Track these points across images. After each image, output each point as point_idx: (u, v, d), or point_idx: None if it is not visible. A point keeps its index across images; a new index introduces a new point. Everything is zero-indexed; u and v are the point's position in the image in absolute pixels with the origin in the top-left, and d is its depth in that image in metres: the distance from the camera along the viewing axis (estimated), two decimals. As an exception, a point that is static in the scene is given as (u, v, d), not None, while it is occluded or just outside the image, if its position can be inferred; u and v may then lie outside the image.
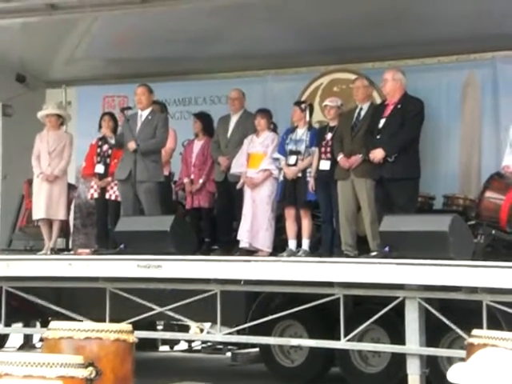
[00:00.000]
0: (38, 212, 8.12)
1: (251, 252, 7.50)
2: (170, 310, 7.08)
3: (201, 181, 8.31)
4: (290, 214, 7.55)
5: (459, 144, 8.36)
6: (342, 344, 6.64)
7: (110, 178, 8.37)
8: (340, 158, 7.26)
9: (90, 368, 3.83)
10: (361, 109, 7.42)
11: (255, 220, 7.57)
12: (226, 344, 9.68)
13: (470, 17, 7.72)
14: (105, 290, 7.18)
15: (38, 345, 9.60)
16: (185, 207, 8.56)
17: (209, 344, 10.29)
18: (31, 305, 7.75)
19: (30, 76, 9.92)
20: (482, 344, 4.59)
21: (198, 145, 8.53)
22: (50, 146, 8.17)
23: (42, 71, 9.90)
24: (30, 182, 8.56)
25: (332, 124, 7.59)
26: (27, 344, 10.17)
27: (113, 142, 7.94)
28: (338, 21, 7.99)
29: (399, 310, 6.32)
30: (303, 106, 7.73)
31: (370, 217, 7.05)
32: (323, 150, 7.47)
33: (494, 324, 5.97)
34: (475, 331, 4.96)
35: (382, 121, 7.11)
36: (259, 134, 7.85)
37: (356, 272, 6.33)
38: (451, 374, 1.93)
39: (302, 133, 7.63)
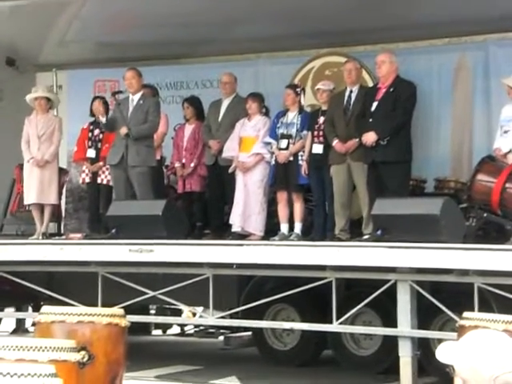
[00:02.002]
0: (30, 197, 8.10)
1: (243, 236, 7.51)
2: (162, 294, 7.08)
3: (192, 165, 8.29)
4: (282, 197, 7.55)
5: (451, 127, 8.37)
6: (334, 327, 6.66)
7: (101, 163, 8.34)
8: (335, 142, 7.24)
9: (83, 352, 3.83)
10: (351, 91, 7.40)
11: (247, 204, 7.57)
12: (218, 328, 9.69)
13: (461, -1, 7.71)
14: (97, 274, 7.18)
15: (31, 329, 9.61)
16: (176, 191, 8.55)
17: (201, 328, 10.30)
18: (23, 289, 7.74)
19: (20, 59, 9.86)
20: (473, 326, 4.61)
21: (189, 129, 8.51)
22: (39, 130, 8.13)
23: (32, 55, 9.83)
24: (21, 167, 8.53)
25: (324, 108, 7.57)
26: (20, 328, 10.17)
27: (104, 121, 7.81)
28: (330, 4, 7.96)
29: (391, 293, 6.34)
30: (298, 89, 7.70)
31: (367, 200, 7.04)
32: (316, 133, 7.46)
33: (485, 306, 6.00)
34: (466, 313, 4.98)
35: (375, 104, 7.10)
36: (251, 117, 7.83)
37: (348, 255, 6.34)
38: (440, 352, 1.93)
39: (292, 116, 7.61)
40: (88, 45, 9.54)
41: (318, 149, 7.40)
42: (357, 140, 7.12)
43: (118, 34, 9.12)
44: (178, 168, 8.37)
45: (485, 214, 6.71)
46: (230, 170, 7.78)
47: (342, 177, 7.18)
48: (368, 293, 6.55)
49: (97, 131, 8.49)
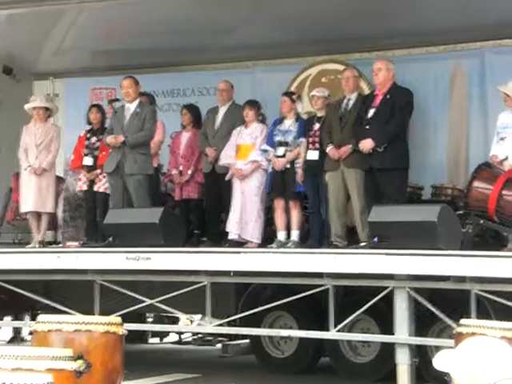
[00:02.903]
0: (26, 205, 8.09)
1: (240, 243, 7.51)
2: (159, 302, 7.07)
3: (189, 172, 8.30)
4: (279, 205, 7.55)
5: (447, 134, 8.39)
6: (331, 334, 6.65)
7: (98, 171, 8.34)
8: (329, 149, 7.26)
9: (80, 361, 3.82)
10: (349, 99, 7.42)
11: (244, 212, 7.57)
12: (216, 335, 9.69)
13: (457, 7, 7.73)
14: (94, 282, 7.17)
15: (28, 338, 9.59)
16: (173, 199, 8.55)
17: (199, 336, 10.29)
18: (20, 298, 7.73)
19: (16, 68, 9.87)
20: (471, 333, 4.61)
21: (185, 136, 8.52)
22: (37, 139, 8.13)
23: (29, 63, 9.84)
24: (18, 175, 8.53)
25: (319, 114, 7.58)
26: (17, 337, 10.15)
27: (108, 140, 7.64)
28: (326, 12, 7.99)
29: (388, 300, 6.34)
30: (294, 96, 7.72)
31: (360, 207, 7.07)
32: (311, 140, 7.47)
33: (483, 313, 6.00)
34: (463, 320, 4.99)
35: (371, 111, 7.12)
36: (248, 125, 7.84)
37: (345, 262, 6.34)
38: (437, 360, 1.93)
39: (289, 124, 7.62)
40: (84, 53, 9.55)
41: (313, 155, 7.41)
42: (350, 146, 7.14)
43: (114, 42, 9.14)
44: (176, 175, 8.38)
45: (481, 221, 6.72)
46: (227, 178, 7.78)
47: (336, 183, 7.20)
48: (365, 300, 6.54)
49: (94, 139, 8.48)
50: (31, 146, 8.11)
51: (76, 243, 8.09)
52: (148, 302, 7.09)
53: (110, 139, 7.67)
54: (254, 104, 7.90)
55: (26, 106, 8.29)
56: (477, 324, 4.83)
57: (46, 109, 8.30)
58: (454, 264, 5.98)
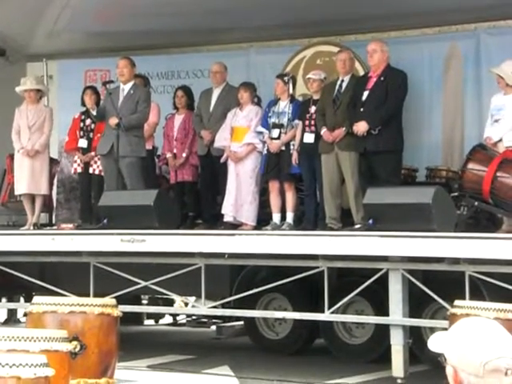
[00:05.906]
0: (20, 187, 8.08)
1: (235, 226, 7.51)
2: (154, 284, 7.08)
3: (184, 155, 8.28)
4: (274, 187, 7.55)
5: (442, 116, 8.38)
6: (326, 316, 6.68)
7: (93, 153, 8.33)
8: (323, 131, 7.25)
9: (75, 342, 3.83)
10: (342, 81, 7.40)
11: (239, 194, 7.57)
12: (210, 317, 9.71)
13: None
14: (89, 264, 7.17)
15: (23, 319, 9.59)
16: (168, 181, 8.54)
17: (193, 317, 10.32)
18: (15, 280, 7.73)
19: (10, 49, 9.81)
20: (465, 314, 4.64)
21: (178, 119, 8.49)
22: (29, 121, 8.10)
23: (22, 44, 9.78)
24: (11, 157, 8.50)
25: (316, 97, 7.56)
26: (11, 319, 10.16)
27: (94, 113, 7.84)
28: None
29: (383, 282, 6.36)
30: (286, 78, 7.70)
31: (354, 189, 7.07)
32: (307, 122, 7.46)
33: (477, 294, 6.03)
34: (457, 302, 5.01)
35: (366, 93, 7.10)
36: (243, 107, 7.82)
37: (340, 245, 6.36)
38: (431, 342, 1.94)
39: (284, 105, 7.61)
40: (79, 34, 9.50)
41: (309, 138, 7.40)
42: (343, 129, 7.14)
43: (108, 24, 9.09)
44: (170, 159, 8.36)
45: (476, 203, 6.72)
46: (222, 160, 7.77)
47: (330, 166, 7.20)
48: (360, 282, 6.56)
49: (88, 121, 8.46)
50: (24, 127, 8.08)
51: (71, 225, 8.09)
52: (143, 283, 7.10)
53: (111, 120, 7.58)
54: (248, 86, 7.88)
55: (17, 89, 8.26)
56: (471, 305, 4.85)
57: (38, 90, 8.26)
58: (449, 246, 5.99)
